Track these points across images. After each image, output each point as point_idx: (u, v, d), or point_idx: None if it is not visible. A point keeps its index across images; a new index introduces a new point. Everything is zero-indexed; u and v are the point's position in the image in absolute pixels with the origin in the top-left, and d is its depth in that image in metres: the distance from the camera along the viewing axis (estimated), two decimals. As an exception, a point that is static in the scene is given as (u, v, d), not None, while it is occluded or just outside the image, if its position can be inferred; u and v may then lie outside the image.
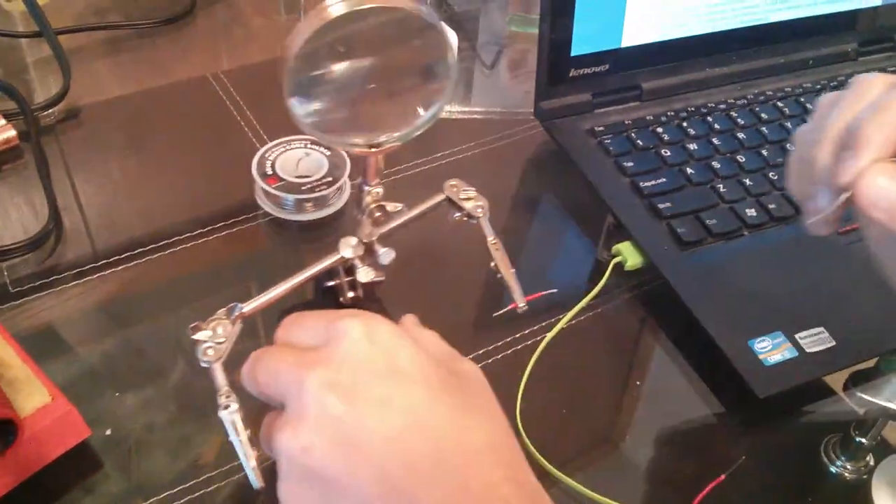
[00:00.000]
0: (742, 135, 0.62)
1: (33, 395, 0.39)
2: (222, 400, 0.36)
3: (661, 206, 0.55)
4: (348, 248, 0.42)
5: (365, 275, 0.43)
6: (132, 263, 0.52)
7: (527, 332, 0.50)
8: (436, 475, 0.30)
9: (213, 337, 0.38)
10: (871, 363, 0.45)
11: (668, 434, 0.47)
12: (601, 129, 0.61)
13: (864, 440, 0.44)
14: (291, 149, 0.57)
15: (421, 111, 0.39)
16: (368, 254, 0.43)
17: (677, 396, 0.49)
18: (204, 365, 0.37)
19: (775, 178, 0.58)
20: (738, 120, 0.63)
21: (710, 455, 0.46)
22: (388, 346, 0.33)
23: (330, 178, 0.55)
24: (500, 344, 0.50)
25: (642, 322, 0.53)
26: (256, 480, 0.37)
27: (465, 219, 0.47)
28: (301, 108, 0.36)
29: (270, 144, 0.57)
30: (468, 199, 0.47)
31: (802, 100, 0.66)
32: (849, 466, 0.45)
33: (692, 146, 0.60)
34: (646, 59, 0.63)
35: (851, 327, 0.49)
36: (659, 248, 0.53)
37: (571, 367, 0.50)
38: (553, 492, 0.43)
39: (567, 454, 0.45)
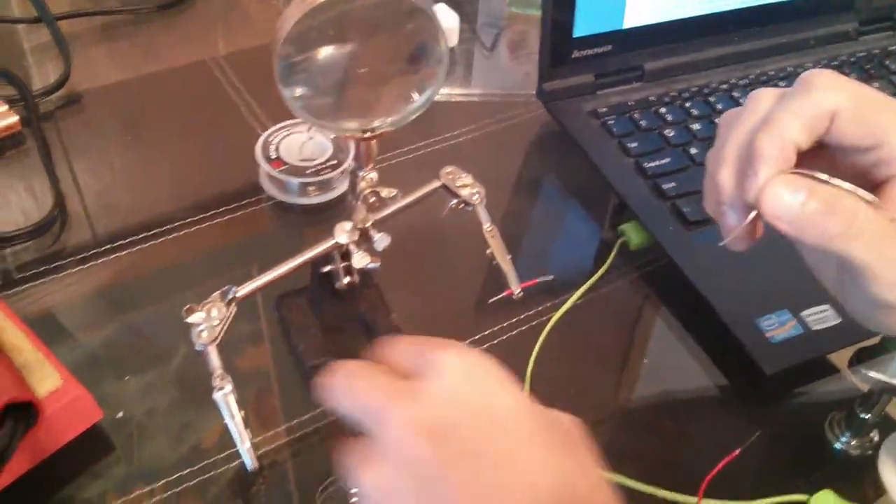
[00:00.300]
0: (744, 115, 0.62)
1: (45, 379, 0.39)
2: (217, 382, 0.37)
3: (665, 186, 0.55)
4: (343, 233, 0.42)
5: (360, 260, 0.42)
6: (135, 248, 0.52)
7: (532, 313, 0.50)
8: None
9: (207, 319, 0.38)
10: (875, 340, 0.46)
11: (676, 412, 0.47)
12: (604, 110, 0.61)
13: (867, 416, 0.44)
14: (295, 132, 0.56)
15: (414, 96, 0.38)
16: (364, 239, 0.42)
17: (684, 375, 0.49)
18: (198, 348, 0.37)
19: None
20: (741, 100, 0.62)
21: (717, 432, 0.46)
22: (488, 389, 0.30)
23: (334, 162, 0.55)
24: (504, 325, 0.50)
25: (648, 301, 0.53)
26: (251, 461, 0.37)
27: (462, 206, 0.47)
28: (292, 93, 0.35)
29: (274, 128, 0.57)
30: (464, 186, 0.46)
31: (804, 79, 0.66)
32: (853, 443, 0.45)
33: (695, 126, 0.60)
34: (648, 40, 0.63)
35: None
36: (664, 228, 0.53)
37: (578, 347, 0.50)
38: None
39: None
